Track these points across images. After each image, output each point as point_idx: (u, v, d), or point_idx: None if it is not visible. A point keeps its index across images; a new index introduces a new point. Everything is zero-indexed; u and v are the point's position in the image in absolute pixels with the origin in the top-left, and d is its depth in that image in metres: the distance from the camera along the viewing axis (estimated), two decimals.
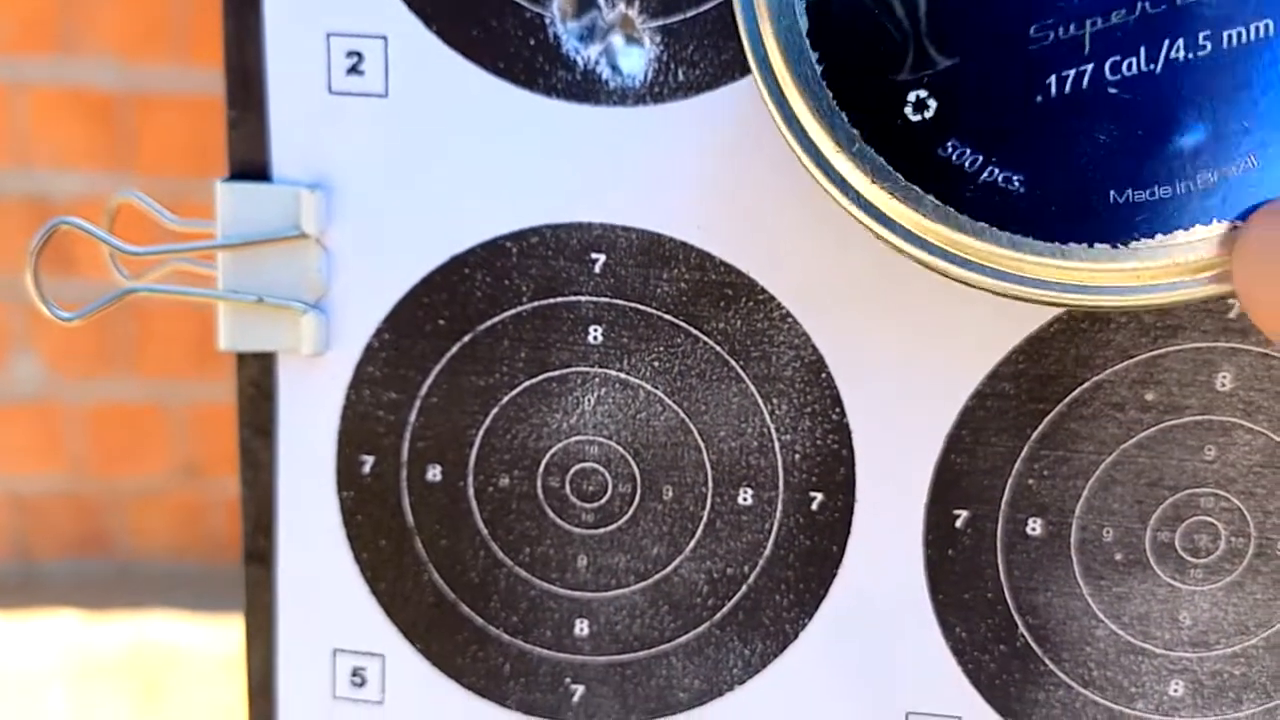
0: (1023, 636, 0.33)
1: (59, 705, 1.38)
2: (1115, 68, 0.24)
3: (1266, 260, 0.23)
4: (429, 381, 0.34)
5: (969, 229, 0.25)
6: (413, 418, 0.34)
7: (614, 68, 0.32)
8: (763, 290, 0.32)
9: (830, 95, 0.25)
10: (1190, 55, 0.24)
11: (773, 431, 0.33)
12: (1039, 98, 0.25)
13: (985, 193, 0.25)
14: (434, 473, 0.34)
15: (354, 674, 0.35)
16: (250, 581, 0.35)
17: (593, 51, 0.32)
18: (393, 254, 0.33)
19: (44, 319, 0.32)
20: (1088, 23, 0.24)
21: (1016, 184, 0.25)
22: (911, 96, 0.25)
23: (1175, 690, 0.33)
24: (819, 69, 0.25)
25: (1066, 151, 0.25)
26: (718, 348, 0.33)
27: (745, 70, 0.31)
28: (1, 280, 1.49)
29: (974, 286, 0.26)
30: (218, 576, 1.58)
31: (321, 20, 0.32)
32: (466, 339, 0.33)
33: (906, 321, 0.32)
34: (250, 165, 0.33)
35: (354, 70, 0.32)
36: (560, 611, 0.34)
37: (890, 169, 0.25)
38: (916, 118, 0.25)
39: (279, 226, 0.33)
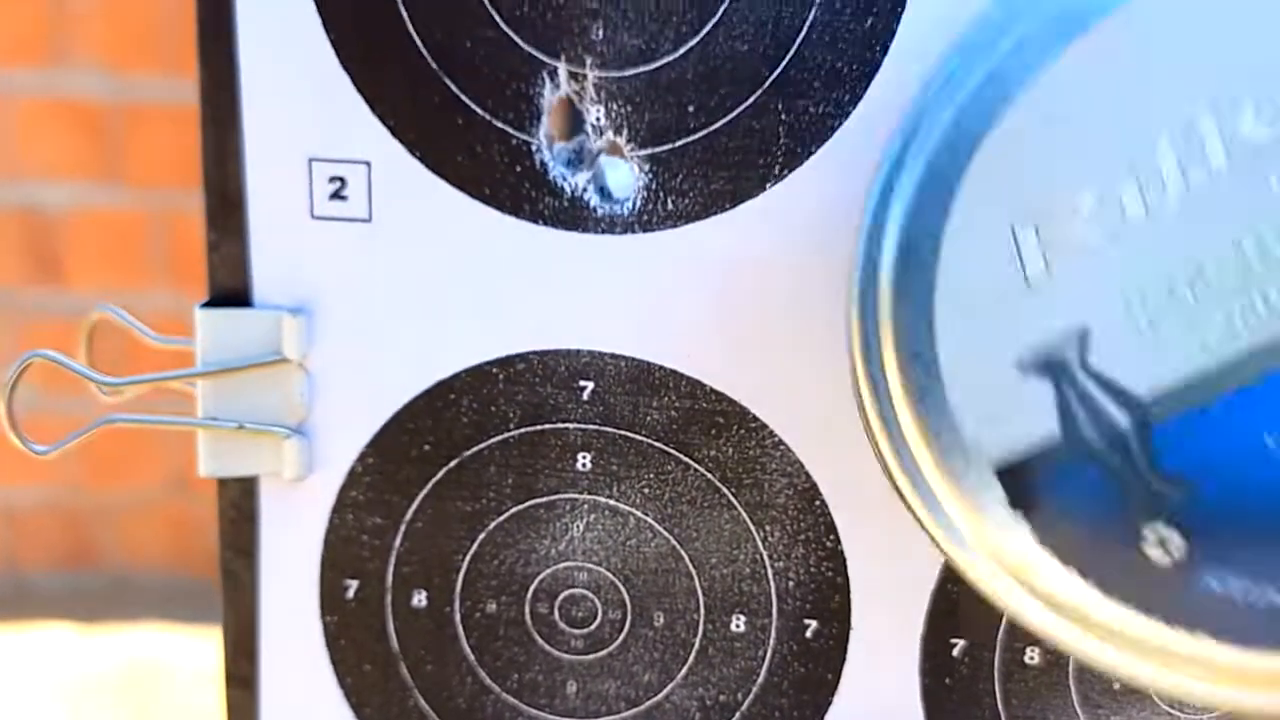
0: None
1: (51, 719, 1.37)
2: None
3: None
4: (414, 507, 0.33)
5: (1253, 661, 0.23)
6: (398, 543, 0.33)
7: (602, 192, 0.31)
8: (754, 418, 0.32)
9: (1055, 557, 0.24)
10: None
11: (766, 559, 0.32)
12: None
13: (1253, 618, 0.23)
14: (419, 598, 0.33)
15: None
16: (232, 706, 0.34)
17: (580, 179, 0.31)
18: (377, 378, 0.32)
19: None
20: None
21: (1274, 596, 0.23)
22: (1149, 535, 0.24)
23: None
24: (1035, 537, 0.24)
25: None
26: (709, 475, 0.32)
27: (735, 201, 0.30)
28: None
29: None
30: (210, 590, 1.58)
31: (303, 145, 0.31)
32: (452, 464, 0.33)
33: None
34: (231, 290, 0.32)
35: (337, 195, 0.31)
36: None
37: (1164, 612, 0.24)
38: (1160, 555, 0.24)
39: (260, 351, 0.32)
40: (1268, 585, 0.23)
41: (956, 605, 0.32)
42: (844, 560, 0.32)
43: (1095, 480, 0.23)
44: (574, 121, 0.31)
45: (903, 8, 0.29)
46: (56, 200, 1.49)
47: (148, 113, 1.47)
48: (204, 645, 1.48)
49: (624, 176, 0.31)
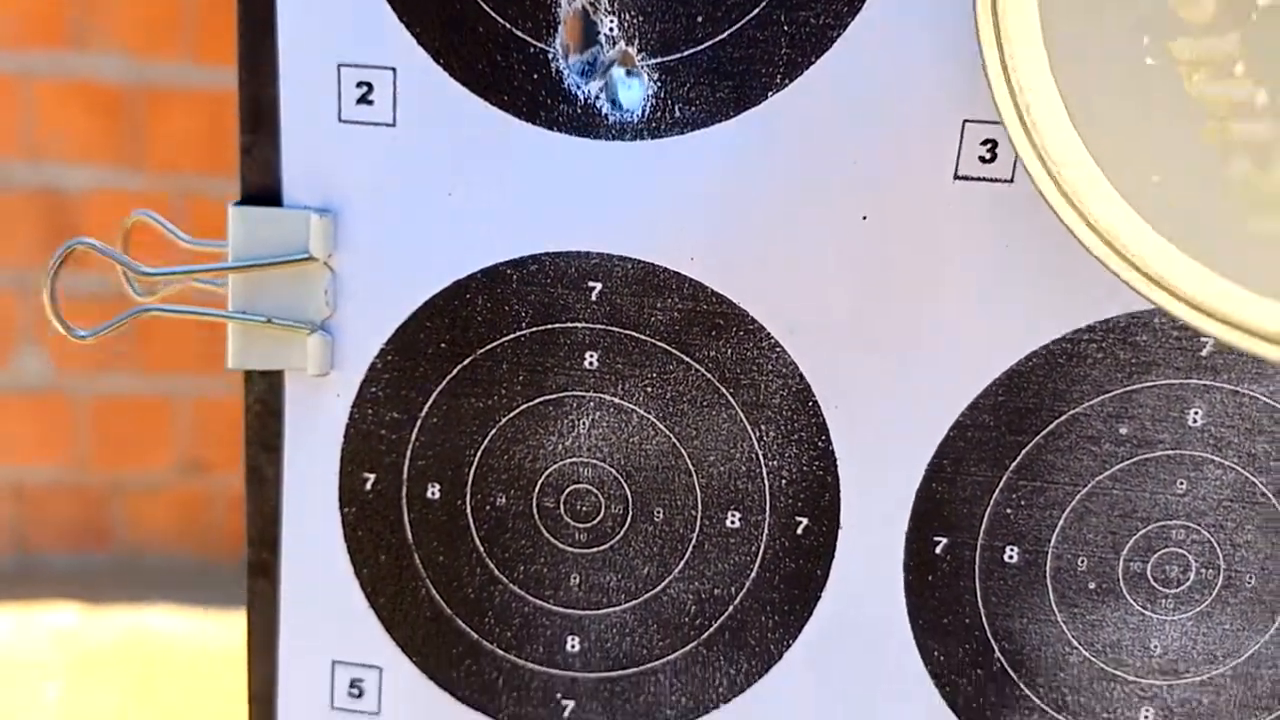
0: (999, 661, 0.34)
1: (57, 696, 1.38)
2: None
3: None
4: (430, 402, 0.35)
5: None
6: (414, 437, 0.35)
7: (613, 103, 0.33)
8: (753, 320, 0.33)
9: None
10: None
11: (761, 457, 0.34)
12: None
13: None
14: (433, 491, 0.35)
15: (352, 685, 0.36)
16: (253, 594, 0.36)
17: (593, 87, 0.33)
18: (397, 278, 0.34)
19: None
20: None
21: None
22: None
23: (1145, 716, 0.34)
24: None
25: None
26: (708, 375, 0.34)
27: (739, 109, 0.32)
28: (8, 273, 1.50)
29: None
30: (217, 571, 1.59)
31: (333, 51, 0.33)
32: (467, 362, 0.34)
33: (891, 353, 0.33)
34: (262, 189, 0.34)
35: (364, 100, 0.33)
36: (552, 628, 0.36)
37: None
38: None
39: (288, 249, 0.34)
40: None
41: (941, 504, 0.34)
42: (834, 460, 0.34)
43: None
44: (588, 33, 0.32)
45: None
46: (76, 182, 1.51)
47: (168, 96, 1.48)
48: (211, 625, 1.49)
49: (634, 93, 0.33)
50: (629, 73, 0.33)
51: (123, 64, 1.50)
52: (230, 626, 1.48)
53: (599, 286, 0.34)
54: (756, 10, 0.31)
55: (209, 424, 1.55)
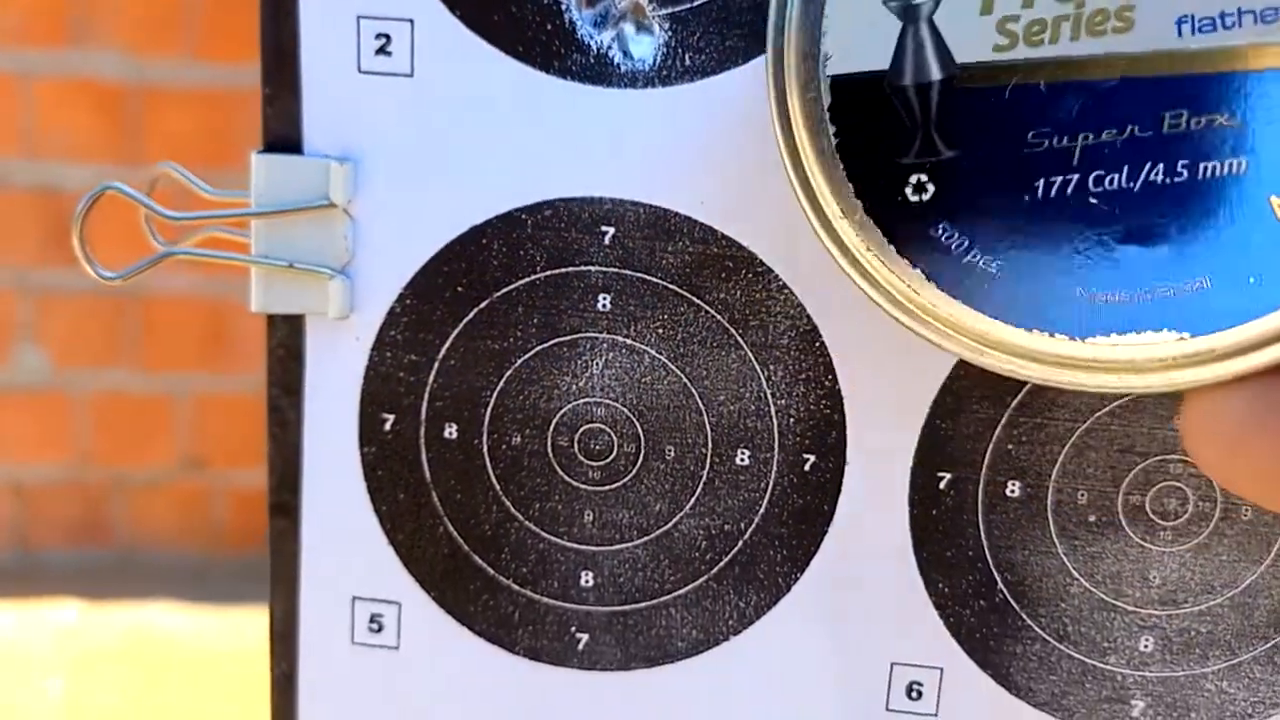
0: (1001, 592, 0.35)
1: (59, 693, 1.39)
2: (1098, 181, 0.27)
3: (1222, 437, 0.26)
4: (447, 345, 0.36)
5: (947, 303, 0.28)
6: (431, 379, 0.36)
7: (625, 52, 0.34)
8: (761, 263, 0.35)
9: (842, 167, 0.28)
10: (1167, 180, 0.27)
11: (769, 397, 0.35)
12: (1026, 197, 0.28)
13: (967, 273, 0.28)
14: (450, 431, 0.36)
15: (372, 620, 0.37)
16: (275, 532, 0.37)
17: (605, 37, 0.34)
18: (415, 224, 0.35)
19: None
20: (1080, 137, 0.27)
21: (995, 269, 0.28)
22: (913, 179, 0.28)
23: (1145, 645, 0.35)
24: (835, 142, 0.28)
25: (1043, 248, 0.28)
26: (718, 316, 0.35)
27: (748, 56, 0.33)
28: (8, 271, 1.51)
29: (947, 351, 0.29)
30: (219, 567, 1.60)
31: (352, 3, 0.34)
32: (483, 305, 0.36)
33: None
34: (283, 138, 0.35)
35: (382, 51, 0.34)
36: (567, 564, 0.37)
37: (885, 240, 0.28)
38: (915, 198, 0.28)
39: (309, 196, 0.35)
40: (976, 250, 0.28)
41: (944, 440, 0.35)
42: (841, 399, 0.35)
43: (895, 115, 0.28)
44: None
45: None
46: (75, 181, 1.51)
47: (167, 95, 1.49)
48: (211, 621, 1.49)
49: (645, 46, 0.34)
50: (639, 26, 0.34)
51: (122, 62, 1.51)
52: (232, 622, 1.49)
53: (612, 231, 0.35)
54: None
55: (209, 420, 1.56)
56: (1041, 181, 0.27)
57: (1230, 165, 0.27)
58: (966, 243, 0.28)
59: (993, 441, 0.35)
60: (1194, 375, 0.27)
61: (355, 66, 0.34)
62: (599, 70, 0.34)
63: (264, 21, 0.34)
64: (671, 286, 0.35)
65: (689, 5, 0.33)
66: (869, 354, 0.35)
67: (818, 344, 0.35)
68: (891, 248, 0.28)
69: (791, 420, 0.35)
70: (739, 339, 0.35)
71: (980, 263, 0.28)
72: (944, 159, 0.28)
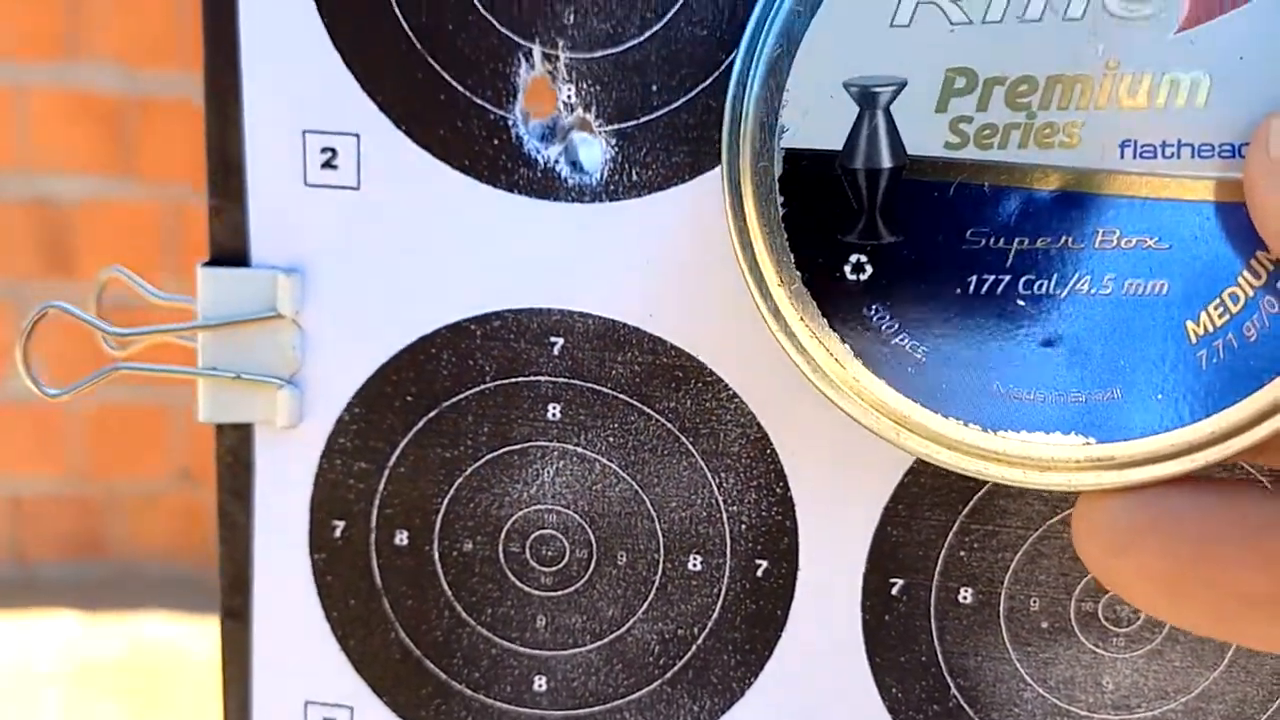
0: (955, 697, 0.35)
1: (55, 707, 1.39)
2: (1028, 284, 0.28)
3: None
4: (397, 453, 0.36)
5: (871, 382, 0.29)
6: (381, 486, 0.36)
7: (574, 163, 0.34)
8: (711, 373, 0.34)
9: (786, 236, 0.29)
10: (1093, 291, 0.28)
11: (721, 503, 0.35)
12: (958, 290, 0.28)
13: (894, 355, 0.29)
14: (401, 537, 0.36)
15: None
16: (226, 637, 0.37)
17: (552, 151, 0.34)
18: (364, 334, 0.35)
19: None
20: (1016, 241, 0.28)
21: (921, 354, 0.28)
22: (853, 258, 0.29)
23: None
24: (782, 211, 0.29)
25: (968, 340, 0.28)
26: (669, 425, 0.35)
27: (695, 173, 0.33)
28: (2, 285, 1.51)
29: (865, 428, 0.29)
30: (215, 579, 1.59)
31: (298, 119, 0.34)
32: (433, 414, 0.35)
33: None
34: (230, 250, 0.35)
35: (328, 165, 0.34)
36: (520, 668, 0.37)
37: (819, 313, 0.29)
38: (853, 277, 0.29)
39: (257, 308, 0.35)
40: (905, 334, 0.29)
41: (896, 547, 0.35)
42: (793, 505, 0.35)
43: (843, 195, 0.29)
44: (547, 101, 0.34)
45: None
46: (69, 194, 1.51)
47: (161, 107, 1.49)
48: (208, 634, 1.49)
49: (594, 153, 0.34)
50: (583, 142, 0.34)
51: (117, 75, 1.50)
52: None
53: (561, 342, 0.35)
54: (710, 80, 0.32)
55: (205, 433, 1.56)
56: (975, 278, 0.28)
57: (1153, 286, 0.27)
58: (897, 326, 0.29)
59: (945, 548, 0.35)
60: (1095, 479, 0.28)
61: (302, 179, 0.34)
62: (546, 184, 0.34)
63: (210, 134, 0.34)
64: (622, 396, 0.35)
65: (635, 122, 0.33)
66: (821, 461, 0.35)
67: (769, 451, 0.35)
68: (824, 320, 0.29)
69: (744, 526, 0.35)
70: (690, 447, 0.35)
71: (908, 346, 0.28)
72: (885, 243, 0.28)
